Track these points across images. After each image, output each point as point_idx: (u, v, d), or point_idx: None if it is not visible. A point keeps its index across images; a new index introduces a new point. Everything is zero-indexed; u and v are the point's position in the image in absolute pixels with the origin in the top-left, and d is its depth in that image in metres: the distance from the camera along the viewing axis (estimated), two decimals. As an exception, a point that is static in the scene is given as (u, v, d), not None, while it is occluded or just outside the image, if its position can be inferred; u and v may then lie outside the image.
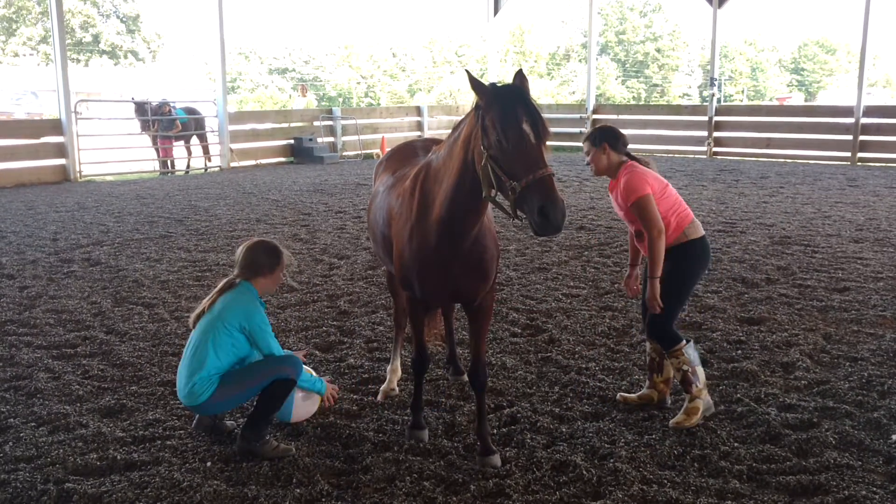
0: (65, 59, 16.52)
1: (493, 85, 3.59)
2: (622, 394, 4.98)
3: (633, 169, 4.52)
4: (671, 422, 4.58)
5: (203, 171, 19.35)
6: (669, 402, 4.86)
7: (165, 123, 18.91)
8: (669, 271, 4.49)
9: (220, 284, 4.40)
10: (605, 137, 4.54)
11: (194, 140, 19.85)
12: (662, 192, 4.51)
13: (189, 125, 19.53)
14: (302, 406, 4.46)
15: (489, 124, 3.48)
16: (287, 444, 4.32)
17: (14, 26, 52.57)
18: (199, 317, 4.35)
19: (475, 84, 3.57)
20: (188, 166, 19.66)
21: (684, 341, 4.61)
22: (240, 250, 4.40)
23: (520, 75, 3.61)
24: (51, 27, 16.81)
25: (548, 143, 3.57)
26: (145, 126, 19.09)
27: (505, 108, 3.45)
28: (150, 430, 4.53)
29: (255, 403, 4.29)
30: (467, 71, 3.71)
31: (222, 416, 4.50)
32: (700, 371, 4.62)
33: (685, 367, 4.56)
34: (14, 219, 11.84)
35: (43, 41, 50.16)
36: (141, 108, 19.03)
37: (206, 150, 19.88)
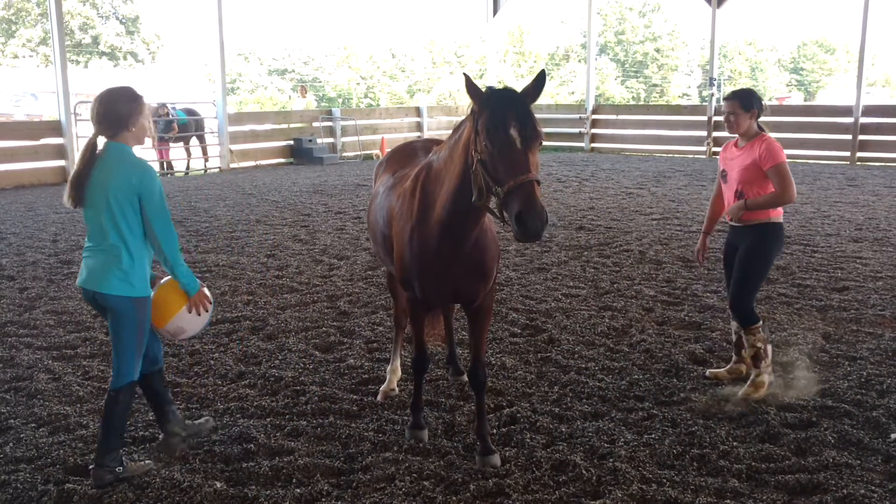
0: (64, 60, 16.51)
1: (489, 89, 3.60)
2: (711, 370, 5.39)
3: (773, 140, 4.93)
4: (740, 393, 4.95)
5: (202, 172, 19.36)
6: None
7: (163, 125, 18.92)
8: (753, 248, 4.91)
9: (83, 152, 3.82)
10: (757, 105, 4.95)
11: (193, 141, 19.87)
12: None
13: (189, 126, 19.54)
14: (189, 320, 4.05)
15: (480, 128, 3.50)
16: (145, 462, 4.10)
17: (13, 28, 52.54)
18: (78, 195, 3.83)
19: (471, 88, 3.58)
20: (188, 167, 19.68)
21: (761, 322, 5.05)
22: (93, 105, 3.81)
23: (541, 77, 3.61)
24: (50, 29, 16.82)
25: (541, 147, 3.57)
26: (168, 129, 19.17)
27: (494, 112, 3.45)
28: (150, 430, 4.53)
29: (105, 424, 3.93)
30: (465, 74, 3.70)
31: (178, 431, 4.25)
32: (769, 349, 5.05)
33: (759, 345, 4.98)
34: (14, 220, 11.85)
35: (42, 43, 50.13)
36: None
37: (204, 152, 19.90)
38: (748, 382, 5.02)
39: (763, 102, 5.00)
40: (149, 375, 4.17)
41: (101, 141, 3.89)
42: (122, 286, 3.80)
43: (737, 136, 5.06)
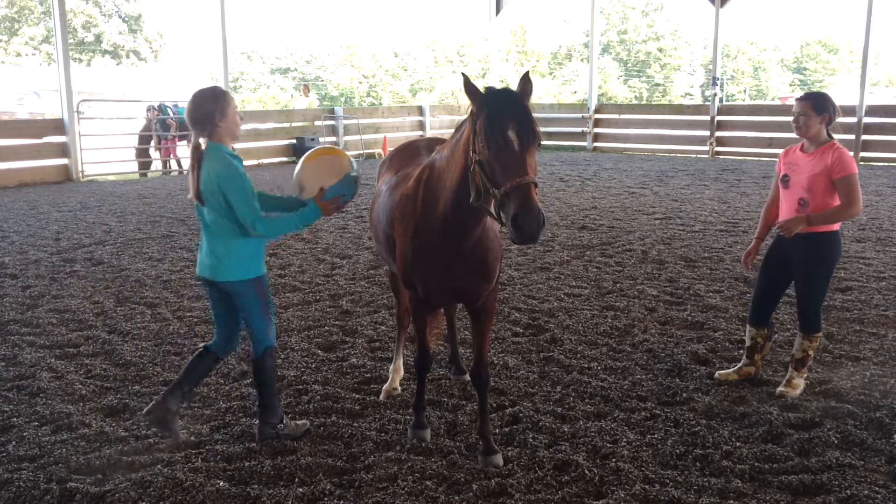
0: (67, 58, 16.54)
1: (488, 89, 3.57)
2: (721, 372, 5.35)
3: (845, 149, 4.77)
4: (778, 390, 5.01)
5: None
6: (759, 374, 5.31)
7: (159, 126, 18.96)
8: (814, 260, 4.85)
9: (191, 155, 4.08)
10: (831, 111, 4.76)
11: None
12: None
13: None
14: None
15: (478, 130, 3.48)
16: (301, 420, 4.56)
17: (16, 26, 52.62)
18: (196, 194, 4.09)
19: (469, 89, 3.55)
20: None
21: (821, 332, 5.13)
22: (186, 108, 4.09)
23: (524, 79, 3.58)
24: (53, 27, 16.83)
25: (539, 148, 3.55)
26: (148, 128, 19.23)
27: (492, 114, 3.43)
28: (153, 429, 4.53)
29: (259, 389, 4.39)
30: (464, 74, 3.67)
31: (175, 412, 4.34)
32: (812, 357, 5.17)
33: (811, 353, 5.04)
34: (17, 219, 11.86)
35: (45, 41, 50.20)
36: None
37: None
38: (784, 381, 5.06)
39: (837, 108, 4.76)
40: (208, 353, 4.41)
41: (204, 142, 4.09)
42: (228, 272, 4.12)
43: (802, 139, 4.85)
